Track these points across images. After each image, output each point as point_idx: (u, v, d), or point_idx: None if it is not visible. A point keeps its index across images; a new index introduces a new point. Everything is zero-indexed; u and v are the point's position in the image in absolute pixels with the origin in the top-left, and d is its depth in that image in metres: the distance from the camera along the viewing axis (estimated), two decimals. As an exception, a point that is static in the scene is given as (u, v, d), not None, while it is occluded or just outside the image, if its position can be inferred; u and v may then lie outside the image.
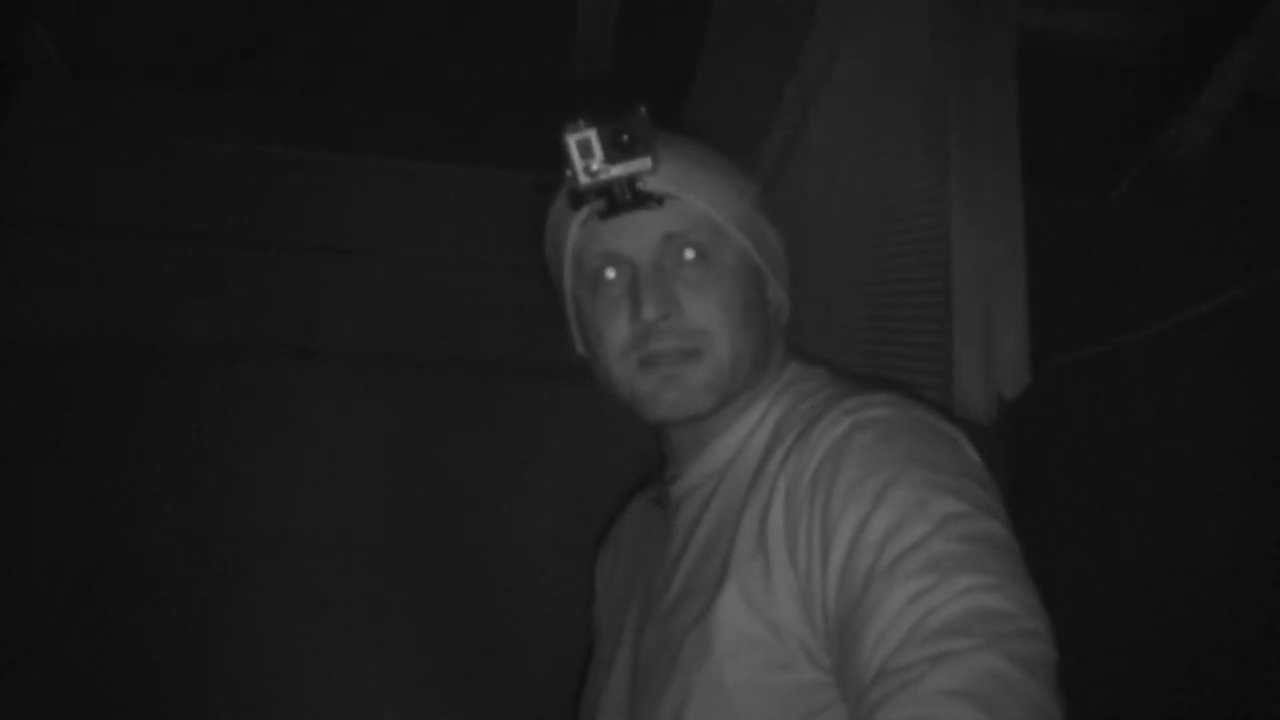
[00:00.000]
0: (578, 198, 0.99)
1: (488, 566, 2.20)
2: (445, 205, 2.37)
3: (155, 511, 2.08)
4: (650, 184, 0.97)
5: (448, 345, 2.33)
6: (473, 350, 2.33)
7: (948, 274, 1.29)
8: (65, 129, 2.17)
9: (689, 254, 0.99)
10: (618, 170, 0.95)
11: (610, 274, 1.01)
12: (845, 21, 1.72)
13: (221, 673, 2.02)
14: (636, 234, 0.99)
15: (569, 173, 0.96)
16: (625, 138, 0.94)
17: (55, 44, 2.09)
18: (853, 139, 1.68)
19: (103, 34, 2.12)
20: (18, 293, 2.11)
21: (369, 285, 2.32)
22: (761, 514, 0.91)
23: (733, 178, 1.05)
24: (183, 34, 2.16)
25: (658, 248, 0.99)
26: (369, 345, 2.29)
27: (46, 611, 1.99)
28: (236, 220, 2.27)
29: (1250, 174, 2.01)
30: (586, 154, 0.95)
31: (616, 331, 1.00)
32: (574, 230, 1.03)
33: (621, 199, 0.97)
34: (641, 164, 0.95)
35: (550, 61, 2.27)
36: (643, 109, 0.95)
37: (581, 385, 2.15)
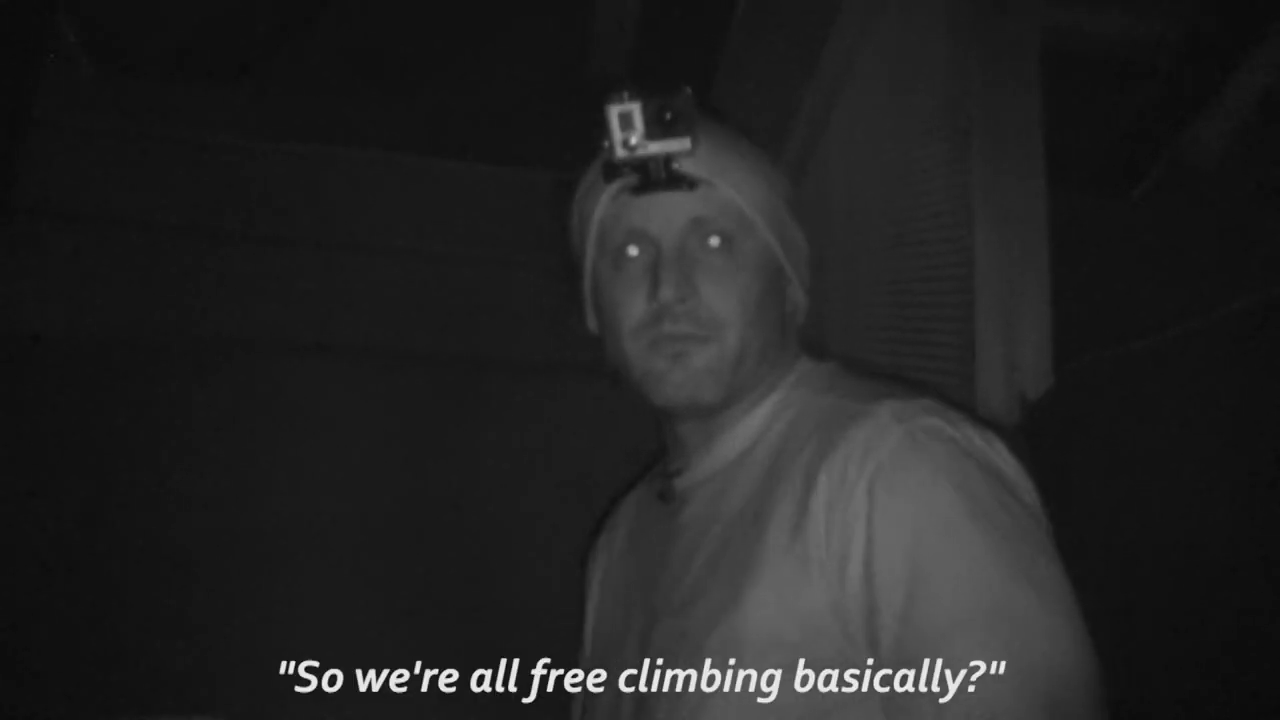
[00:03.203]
0: (612, 170, 0.98)
1: (498, 562, 2.20)
2: (460, 202, 2.37)
3: (168, 505, 2.09)
4: (685, 166, 0.96)
5: (461, 341, 2.33)
6: (485, 347, 2.34)
7: (970, 274, 1.29)
8: (87, 124, 2.18)
9: (714, 241, 0.99)
10: (656, 147, 0.94)
11: (633, 251, 1.00)
12: (867, 20, 1.72)
13: (228, 667, 2.03)
14: (664, 214, 0.99)
15: (606, 144, 0.95)
16: (668, 115, 0.93)
17: (79, 39, 2.10)
18: (875, 137, 1.68)
19: (127, 29, 2.13)
20: (38, 287, 2.12)
21: (384, 282, 2.33)
22: (797, 510, 0.89)
23: (766, 172, 1.05)
24: (206, 30, 2.17)
25: (684, 231, 0.99)
26: (383, 341, 2.30)
27: (57, 604, 2.00)
28: (255, 216, 2.28)
29: (1273, 175, 2.00)
30: (627, 127, 0.93)
31: (633, 309, 0.99)
32: (603, 203, 1.02)
33: (656, 177, 0.96)
34: (681, 144, 0.94)
35: (568, 60, 2.27)
36: (688, 89, 0.94)
37: (592, 382, 2.16)
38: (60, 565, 2.00)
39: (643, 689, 0.99)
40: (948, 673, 0.78)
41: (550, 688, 2.06)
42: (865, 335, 1.64)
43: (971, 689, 0.77)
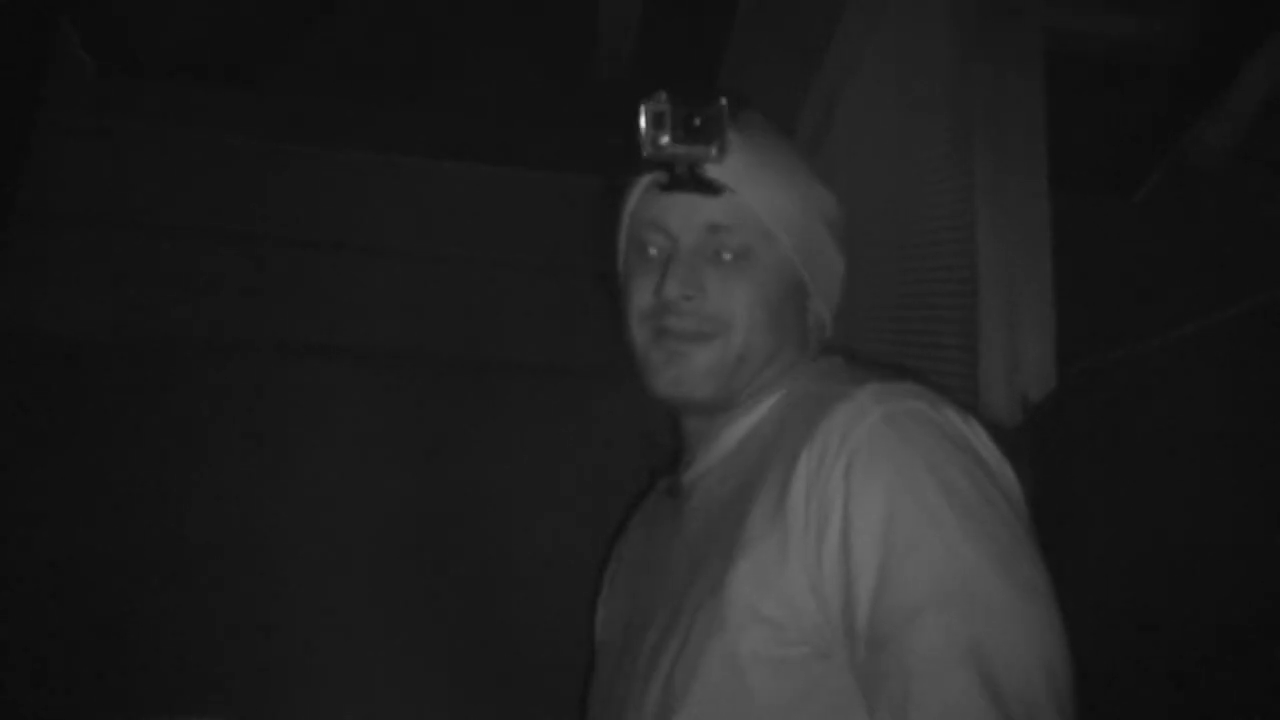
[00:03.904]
0: (640, 165, 1.03)
1: (505, 567, 2.20)
2: (465, 205, 2.38)
3: (170, 506, 2.09)
4: (712, 172, 1.00)
5: (466, 344, 2.33)
6: (490, 350, 2.34)
7: (973, 276, 1.29)
8: (91, 126, 2.18)
9: (729, 250, 1.02)
10: (681, 150, 0.98)
11: (653, 246, 1.05)
12: (870, 21, 1.72)
13: (230, 673, 2.03)
14: (685, 214, 1.02)
15: (638, 140, 0.99)
16: (697, 122, 0.97)
17: (82, 41, 2.10)
18: (878, 139, 1.68)
19: (130, 31, 2.14)
20: (44, 288, 2.13)
21: (387, 283, 2.33)
22: (780, 490, 0.91)
23: (802, 187, 1.07)
24: (209, 32, 2.17)
25: (700, 233, 1.02)
26: (385, 343, 2.30)
27: (58, 604, 2.00)
28: (258, 217, 2.28)
29: (1275, 176, 2.00)
30: (658, 126, 0.98)
31: (641, 299, 1.04)
32: (636, 195, 1.08)
33: (680, 178, 1.01)
34: (704, 151, 0.98)
35: (573, 62, 2.27)
36: (724, 100, 0.99)
37: (599, 385, 2.15)
38: (61, 565, 2.00)
39: (641, 671, 1.00)
40: (915, 653, 0.79)
41: (552, 687, 2.06)
42: (867, 336, 1.64)
43: (937, 670, 0.78)
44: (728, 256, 1.01)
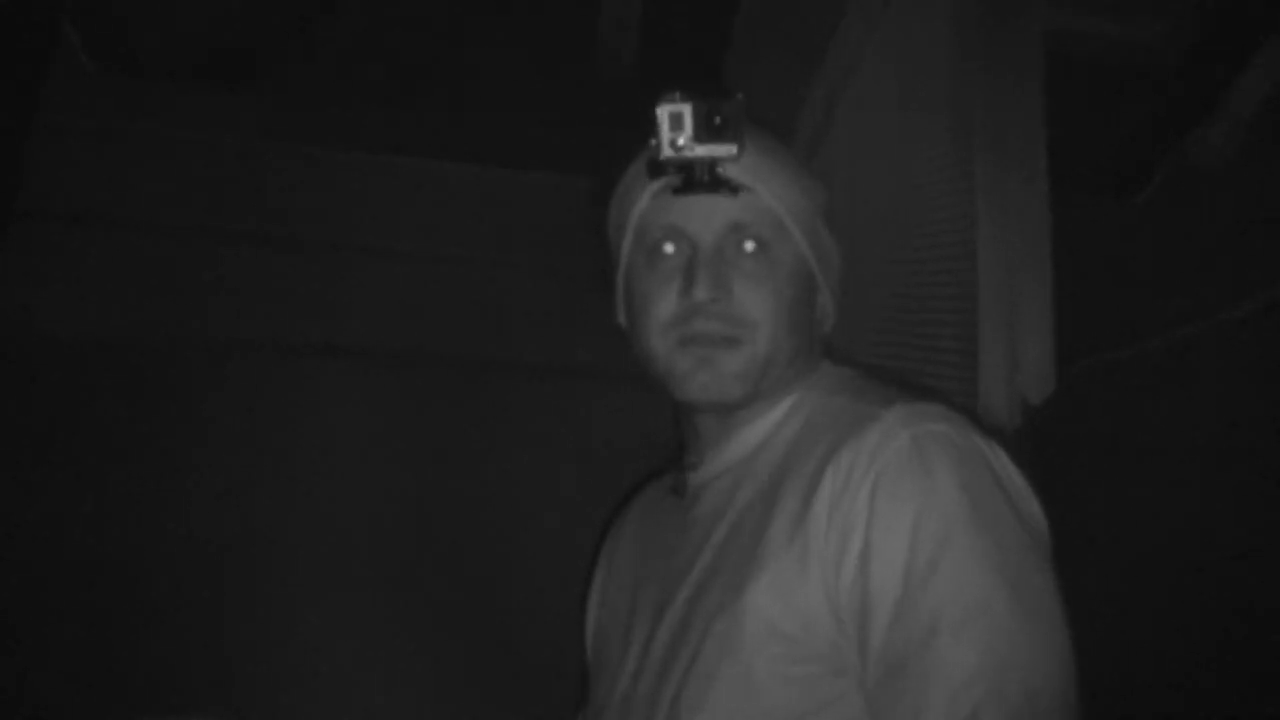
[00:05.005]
0: (657, 168, 0.99)
1: (505, 566, 2.20)
2: (466, 205, 2.37)
3: (172, 506, 2.09)
4: (729, 171, 0.98)
5: (466, 344, 2.33)
6: (490, 350, 2.34)
7: (973, 278, 1.29)
8: (91, 126, 2.18)
9: (749, 246, 1.01)
10: (702, 150, 0.96)
11: (669, 249, 1.02)
12: (870, 21, 1.72)
13: (230, 672, 2.03)
14: (704, 215, 1.01)
15: (654, 142, 0.96)
16: (718, 120, 0.95)
17: (83, 41, 2.10)
18: (877, 139, 1.68)
19: (130, 32, 2.13)
20: (44, 289, 2.13)
21: (389, 284, 2.33)
22: (801, 504, 0.91)
23: (804, 182, 1.07)
24: (209, 32, 2.17)
25: (722, 233, 1.01)
26: (388, 344, 2.30)
27: (60, 604, 2.00)
28: (259, 218, 2.28)
29: (1277, 177, 2.00)
30: (676, 127, 0.95)
31: (664, 305, 1.01)
32: (644, 199, 1.04)
33: (699, 179, 0.98)
34: (727, 149, 0.96)
35: (573, 62, 2.27)
36: (740, 96, 0.96)
37: (599, 385, 2.15)
38: (60, 565, 2.00)
39: (649, 678, 0.99)
40: (929, 675, 0.80)
41: (551, 686, 2.07)
42: (867, 338, 1.64)
43: (949, 692, 0.79)
44: (750, 247, 1.00)
